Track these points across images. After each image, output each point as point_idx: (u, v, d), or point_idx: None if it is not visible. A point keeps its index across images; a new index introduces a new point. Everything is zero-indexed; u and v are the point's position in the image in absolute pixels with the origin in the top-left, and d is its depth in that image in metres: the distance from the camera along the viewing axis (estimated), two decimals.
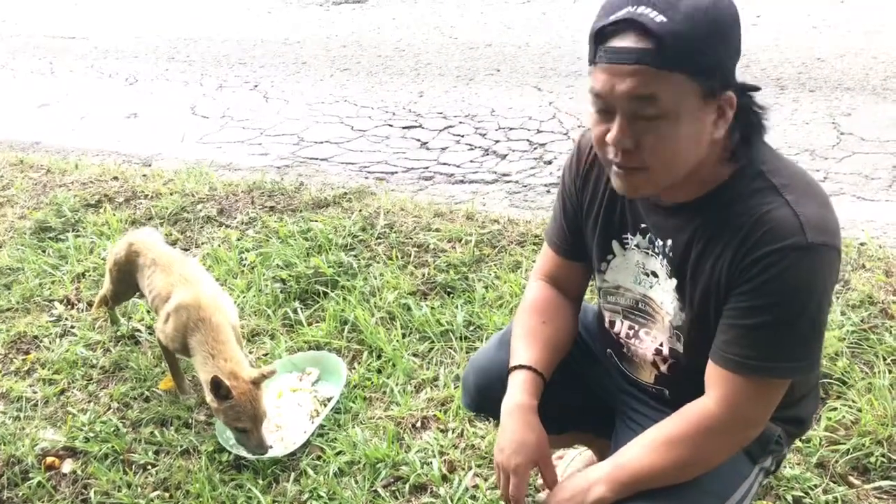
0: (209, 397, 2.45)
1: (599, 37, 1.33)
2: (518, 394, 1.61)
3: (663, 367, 1.62)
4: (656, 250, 1.54)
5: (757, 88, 1.41)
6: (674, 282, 1.52)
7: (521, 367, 1.64)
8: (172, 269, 2.75)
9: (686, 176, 1.40)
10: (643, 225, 1.56)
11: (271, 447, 2.49)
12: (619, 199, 1.58)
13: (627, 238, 1.60)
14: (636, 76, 1.30)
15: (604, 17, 1.33)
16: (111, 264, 2.99)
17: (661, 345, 1.60)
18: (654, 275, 1.57)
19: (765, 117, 1.42)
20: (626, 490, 1.46)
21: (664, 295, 1.56)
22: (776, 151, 1.46)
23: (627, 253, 1.61)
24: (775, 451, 1.62)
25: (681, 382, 1.58)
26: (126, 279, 2.94)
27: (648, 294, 1.60)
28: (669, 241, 1.50)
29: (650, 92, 1.30)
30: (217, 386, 2.37)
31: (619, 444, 1.53)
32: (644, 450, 1.46)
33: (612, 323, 1.71)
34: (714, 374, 1.44)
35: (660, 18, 1.26)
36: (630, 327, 1.66)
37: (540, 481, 2.18)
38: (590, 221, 1.66)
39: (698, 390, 1.48)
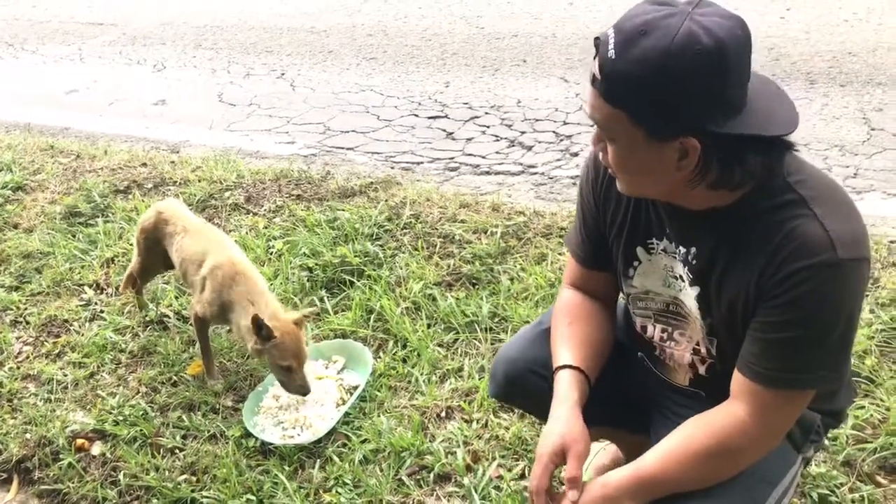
0: (251, 341, 2.51)
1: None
2: (556, 391, 1.64)
3: (701, 369, 1.63)
4: (678, 257, 1.54)
5: (775, 138, 1.31)
6: (696, 290, 1.52)
7: (559, 368, 1.67)
8: (202, 234, 2.85)
9: (671, 195, 1.42)
10: (668, 230, 1.55)
11: (311, 391, 2.58)
12: (645, 205, 1.58)
13: (653, 243, 1.59)
14: (592, 98, 1.33)
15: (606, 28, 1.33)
16: (139, 234, 3.05)
17: (698, 344, 1.60)
18: (682, 279, 1.56)
19: (772, 164, 1.33)
20: (653, 499, 1.47)
21: (690, 301, 1.55)
22: (801, 159, 1.42)
23: (654, 257, 1.61)
24: (815, 441, 1.63)
25: (717, 383, 1.57)
26: (155, 248, 3.01)
27: (679, 296, 1.59)
28: (693, 249, 1.50)
29: (599, 117, 1.34)
30: (259, 326, 2.44)
31: (659, 438, 1.53)
32: (670, 462, 1.46)
33: (644, 328, 1.71)
34: (742, 386, 1.44)
35: (611, 53, 1.26)
36: (664, 330, 1.66)
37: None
38: (614, 230, 1.66)
39: None
